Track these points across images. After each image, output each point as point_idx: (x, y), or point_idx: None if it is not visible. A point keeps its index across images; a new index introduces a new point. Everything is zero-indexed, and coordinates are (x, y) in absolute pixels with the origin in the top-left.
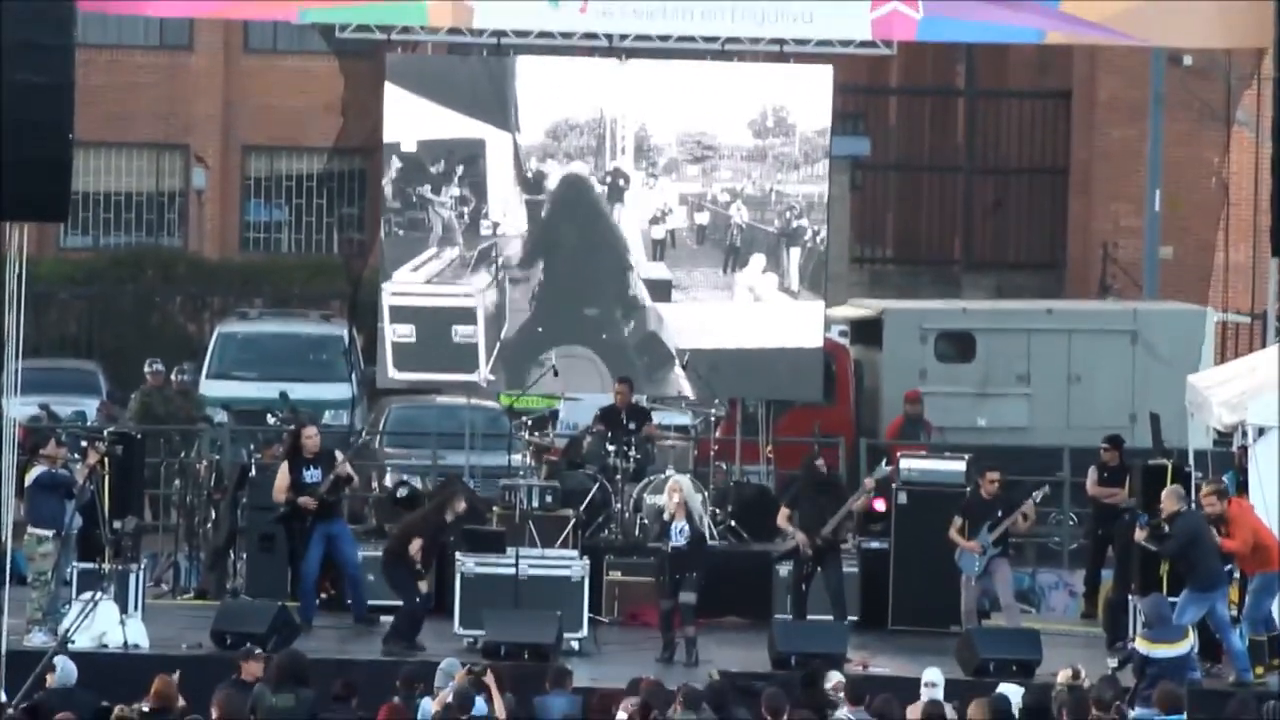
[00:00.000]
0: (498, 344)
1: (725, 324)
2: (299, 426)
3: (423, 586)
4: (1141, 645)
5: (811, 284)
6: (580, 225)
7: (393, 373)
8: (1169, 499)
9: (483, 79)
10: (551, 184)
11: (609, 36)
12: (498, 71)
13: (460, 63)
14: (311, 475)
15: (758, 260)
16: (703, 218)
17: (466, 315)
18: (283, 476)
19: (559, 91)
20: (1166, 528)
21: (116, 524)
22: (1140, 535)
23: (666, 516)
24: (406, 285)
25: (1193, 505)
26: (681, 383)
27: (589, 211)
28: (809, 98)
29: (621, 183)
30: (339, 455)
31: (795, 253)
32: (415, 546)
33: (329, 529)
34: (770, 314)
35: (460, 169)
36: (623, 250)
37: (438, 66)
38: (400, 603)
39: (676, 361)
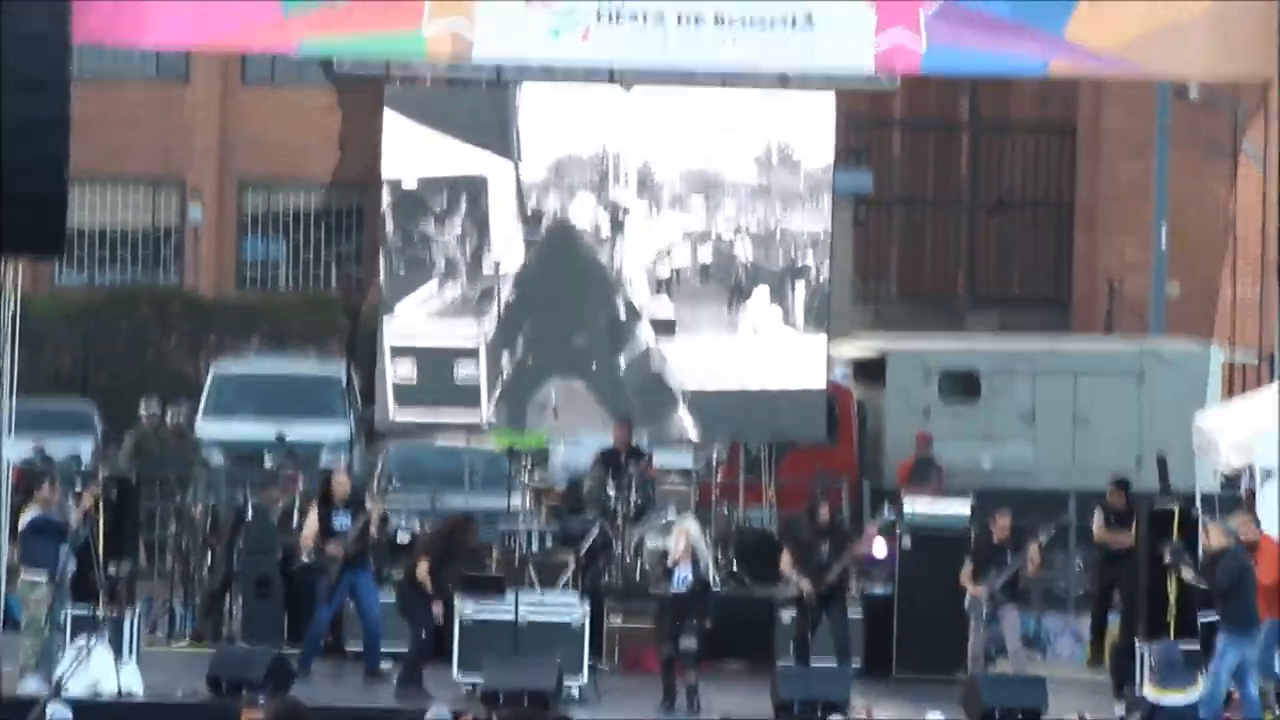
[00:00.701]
0: (500, 383)
1: (728, 364)
2: (329, 473)
3: (436, 610)
4: (1150, 692)
5: (816, 321)
6: (570, 270)
7: (393, 412)
8: (1216, 534)
9: (484, 110)
10: (547, 223)
11: (610, 72)
12: (500, 102)
13: (461, 93)
14: (341, 521)
15: (761, 294)
16: (706, 254)
17: (468, 354)
18: (311, 523)
19: (562, 123)
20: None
21: (111, 568)
22: (1187, 575)
23: (670, 561)
24: (408, 324)
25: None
26: (685, 423)
27: (578, 255)
28: (813, 130)
29: (621, 215)
30: (369, 501)
31: (800, 288)
32: (423, 569)
33: (354, 578)
34: (773, 354)
35: (463, 205)
36: (618, 289)
37: (438, 97)
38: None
39: (680, 402)
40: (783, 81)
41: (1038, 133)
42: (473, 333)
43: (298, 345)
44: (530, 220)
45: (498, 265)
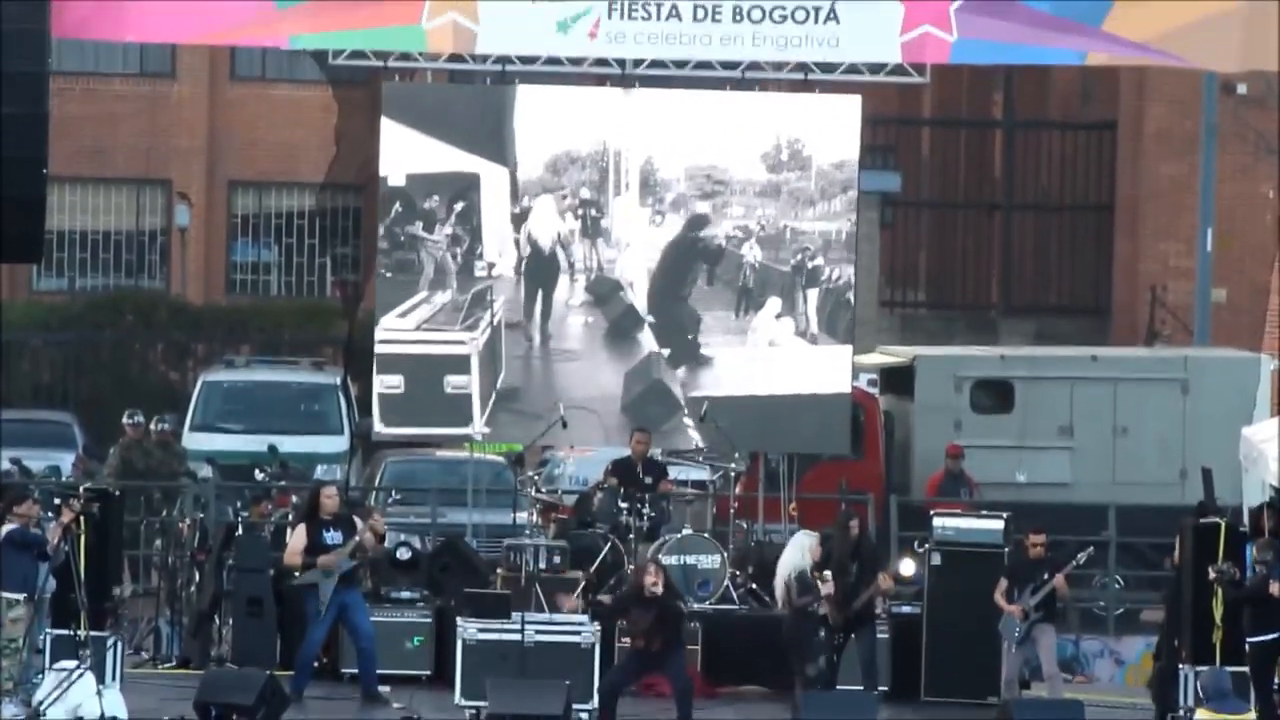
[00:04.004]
0: (493, 394)
1: (739, 371)
2: (317, 485)
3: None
4: (1204, 716)
5: (828, 328)
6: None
7: (379, 426)
8: None
9: (477, 109)
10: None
11: (621, 63)
12: (494, 101)
13: (454, 91)
14: (331, 537)
15: (773, 304)
16: (712, 256)
17: (459, 364)
18: (298, 538)
19: (560, 122)
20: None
21: (116, 590)
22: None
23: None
24: (394, 332)
25: (1249, 564)
26: (691, 434)
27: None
28: (832, 128)
29: (594, 213)
30: (359, 522)
31: (813, 294)
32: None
33: (343, 598)
34: (790, 360)
35: (454, 205)
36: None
37: (431, 96)
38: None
39: (684, 411)
40: (805, 81)
41: (1076, 130)
42: (463, 341)
43: (291, 353)
44: (522, 221)
45: (490, 268)
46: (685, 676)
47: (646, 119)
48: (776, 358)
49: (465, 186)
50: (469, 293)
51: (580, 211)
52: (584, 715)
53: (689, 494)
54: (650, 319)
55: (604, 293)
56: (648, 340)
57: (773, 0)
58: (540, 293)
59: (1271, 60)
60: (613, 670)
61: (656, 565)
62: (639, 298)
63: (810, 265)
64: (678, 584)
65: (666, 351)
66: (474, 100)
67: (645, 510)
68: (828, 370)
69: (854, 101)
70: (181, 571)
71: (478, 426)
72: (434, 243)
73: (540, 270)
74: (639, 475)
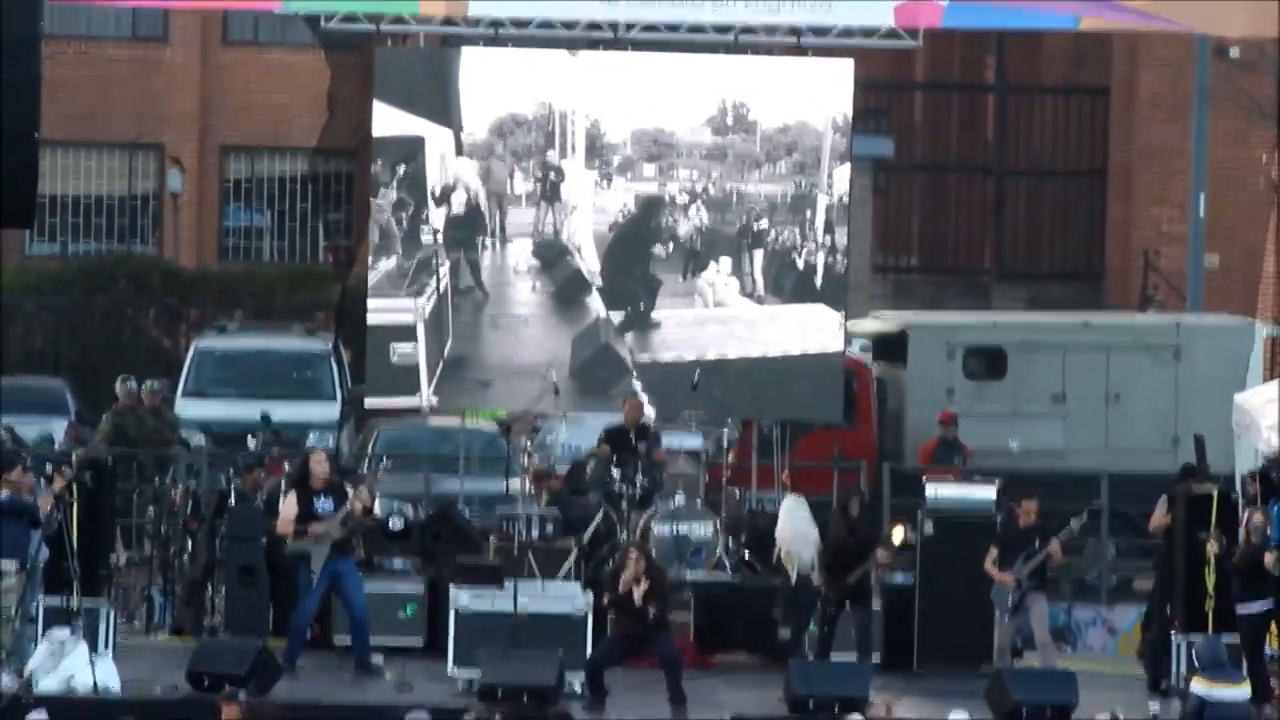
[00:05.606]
0: (440, 362)
1: (684, 334)
2: (307, 453)
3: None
4: (1199, 686)
5: (774, 288)
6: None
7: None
8: None
9: (422, 71)
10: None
11: (614, 26)
12: (439, 63)
13: (399, 54)
14: (323, 506)
15: (719, 265)
16: (661, 220)
17: (405, 332)
18: (289, 506)
19: (506, 84)
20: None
21: (113, 556)
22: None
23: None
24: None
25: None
26: (640, 398)
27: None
28: (770, 89)
29: (554, 176)
30: (349, 489)
31: (758, 255)
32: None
33: (336, 566)
34: (735, 323)
35: (401, 169)
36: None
37: (376, 59)
38: None
39: (634, 375)
40: (798, 45)
41: (1069, 95)
42: (409, 309)
43: (283, 319)
44: (448, 190)
45: (436, 234)
46: (673, 650)
47: (593, 81)
48: (728, 320)
49: (410, 149)
50: (414, 258)
51: (539, 174)
52: (576, 685)
53: (682, 462)
54: (599, 283)
55: (551, 257)
56: (595, 304)
57: None
58: (486, 258)
59: (1266, 25)
60: (599, 649)
61: (638, 555)
62: (586, 261)
63: (756, 227)
64: (670, 558)
65: (615, 316)
66: (419, 62)
67: (638, 478)
68: (767, 332)
69: (847, 65)
70: (174, 540)
71: (425, 396)
72: (379, 207)
73: (484, 234)
74: (632, 443)
